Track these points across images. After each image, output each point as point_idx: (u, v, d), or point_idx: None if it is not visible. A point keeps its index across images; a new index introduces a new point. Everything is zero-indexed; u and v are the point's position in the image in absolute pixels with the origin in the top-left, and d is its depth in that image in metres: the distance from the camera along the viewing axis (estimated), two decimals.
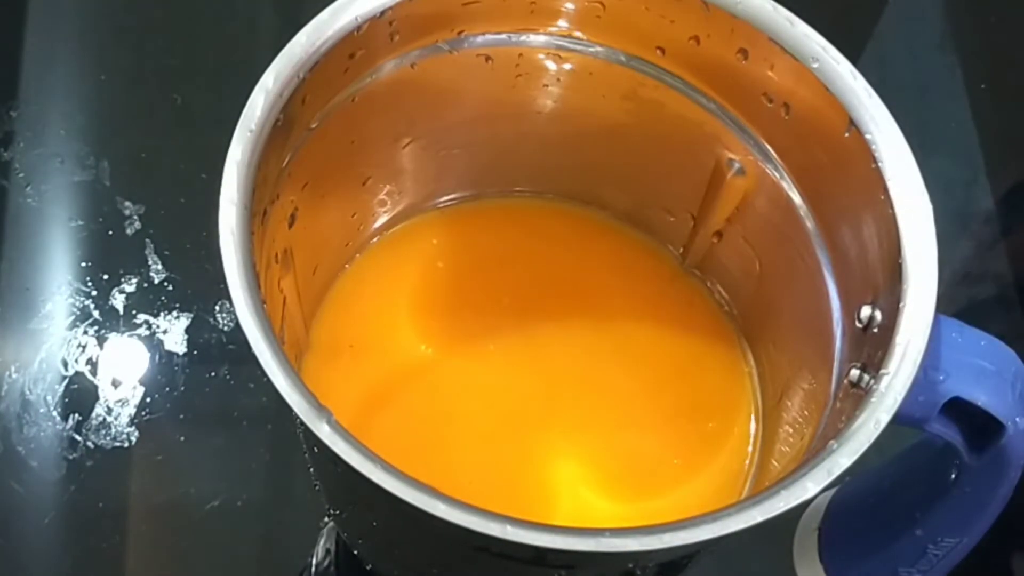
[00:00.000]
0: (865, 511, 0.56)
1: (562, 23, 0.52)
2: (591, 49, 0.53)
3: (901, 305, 0.43)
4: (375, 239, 0.59)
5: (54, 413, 0.64)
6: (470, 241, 0.60)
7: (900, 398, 0.41)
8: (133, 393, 0.65)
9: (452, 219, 0.61)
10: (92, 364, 0.66)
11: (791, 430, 0.52)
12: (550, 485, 0.55)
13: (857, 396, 0.43)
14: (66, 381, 0.65)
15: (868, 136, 0.46)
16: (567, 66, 0.54)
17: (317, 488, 0.55)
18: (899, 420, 0.41)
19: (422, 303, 0.58)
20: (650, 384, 0.58)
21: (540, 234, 0.61)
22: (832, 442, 0.41)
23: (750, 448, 0.56)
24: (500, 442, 0.56)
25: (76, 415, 0.64)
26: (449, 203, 0.61)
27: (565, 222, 0.61)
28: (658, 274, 0.61)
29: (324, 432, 0.38)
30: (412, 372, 0.57)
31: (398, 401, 0.56)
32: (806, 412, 0.50)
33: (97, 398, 0.65)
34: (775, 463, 0.53)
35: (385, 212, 0.59)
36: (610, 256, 0.61)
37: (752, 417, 0.57)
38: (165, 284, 0.68)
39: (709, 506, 0.39)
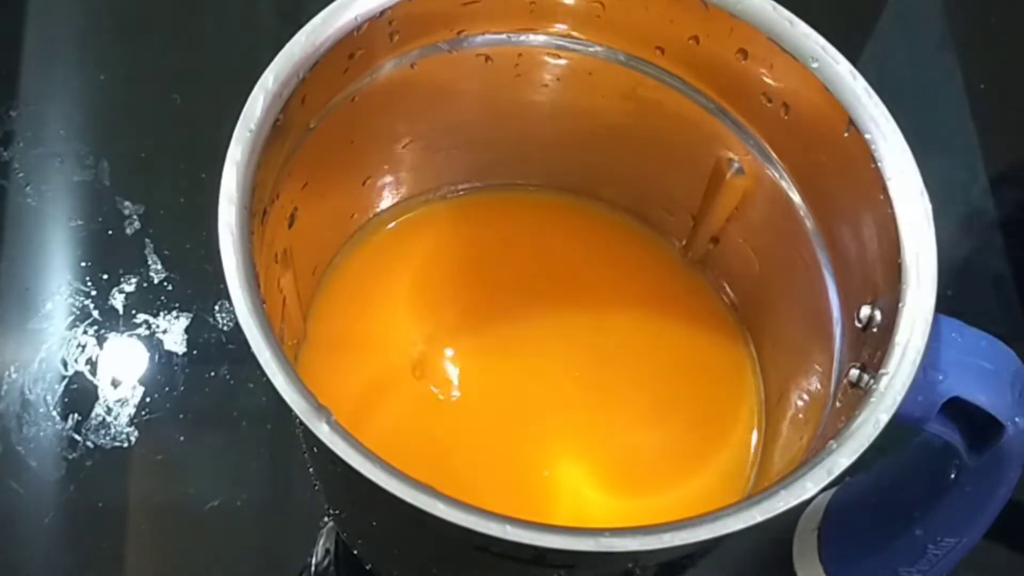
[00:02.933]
0: (865, 511, 0.56)
1: (561, 23, 0.52)
2: (591, 49, 0.53)
3: (900, 305, 0.43)
4: (374, 232, 0.59)
5: (54, 413, 0.64)
6: (469, 233, 0.60)
7: (900, 398, 0.41)
8: (133, 393, 0.65)
9: (452, 211, 0.61)
10: (92, 364, 0.66)
11: (792, 428, 0.52)
12: (551, 482, 0.55)
13: (857, 396, 0.44)
14: (66, 381, 0.65)
15: (867, 136, 0.46)
16: (566, 66, 0.54)
17: (316, 488, 0.55)
18: (899, 420, 0.41)
19: (422, 295, 0.58)
20: (652, 379, 0.58)
21: (541, 226, 0.61)
22: (832, 442, 0.41)
23: (752, 445, 0.56)
24: (499, 437, 0.56)
25: (76, 415, 0.64)
26: (448, 195, 0.61)
27: (567, 214, 0.61)
28: (661, 268, 0.61)
29: (324, 432, 0.38)
30: (411, 365, 0.57)
31: (396, 394, 0.56)
32: (806, 411, 0.50)
33: (97, 398, 0.65)
34: (777, 461, 0.53)
35: (384, 209, 0.59)
36: (612, 249, 0.61)
37: (754, 413, 0.57)
38: (165, 284, 0.68)
39: (711, 504, 0.40)
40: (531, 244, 0.60)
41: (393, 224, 0.60)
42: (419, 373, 0.56)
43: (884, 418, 0.41)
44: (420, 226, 0.60)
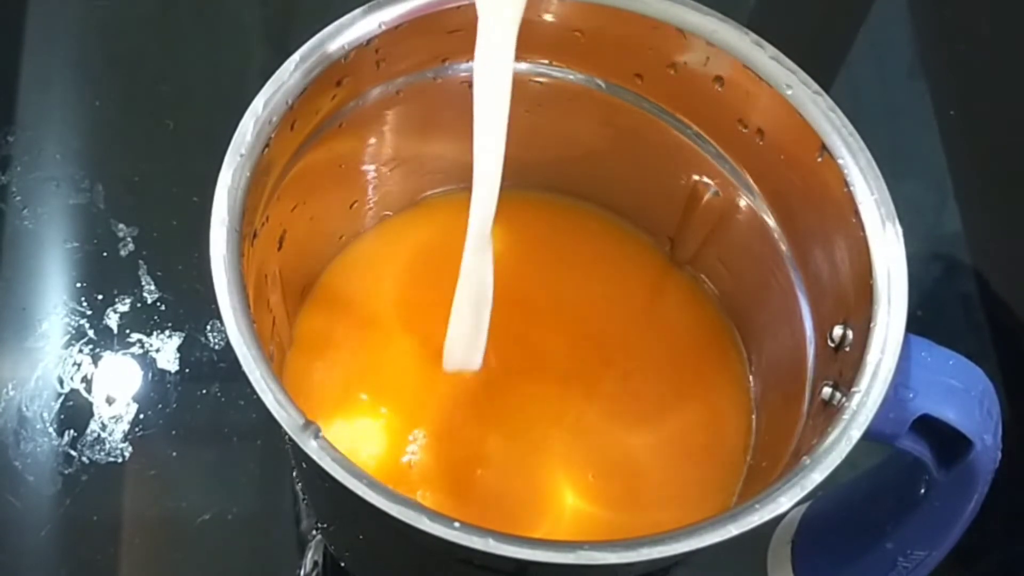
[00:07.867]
0: (837, 524, 0.57)
1: (543, 50, 0.53)
2: (571, 76, 0.54)
3: (872, 325, 0.44)
4: (360, 242, 0.59)
5: (50, 429, 0.64)
6: (452, 236, 0.59)
7: (871, 415, 0.42)
8: (127, 410, 0.65)
9: (436, 213, 0.60)
10: (87, 381, 0.66)
11: (770, 442, 0.53)
12: (541, 488, 0.54)
13: (829, 413, 0.44)
14: (62, 398, 0.65)
15: (840, 161, 0.47)
16: (548, 93, 0.55)
17: (305, 502, 0.56)
18: (870, 436, 0.42)
19: (406, 299, 0.58)
20: (643, 383, 0.57)
21: (527, 228, 0.60)
22: (805, 458, 0.41)
23: (744, 447, 0.56)
24: (486, 442, 0.55)
25: (71, 431, 0.64)
26: (432, 196, 0.61)
27: (554, 215, 0.61)
28: (650, 268, 0.60)
29: (312, 448, 0.39)
30: (396, 370, 0.56)
31: (379, 397, 0.55)
32: (781, 428, 0.51)
33: (92, 415, 0.65)
34: (764, 468, 0.53)
35: (370, 223, 0.59)
36: (602, 250, 0.61)
37: (747, 414, 0.57)
38: (158, 304, 0.69)
39: (703, 508, 0.40)
40: (517, 245, 0.59)
41: (378, 226, 0.60)
42: (404, 376, 0.56)
43: (856, 435, 0.42)
44: (404, 228, 0.60)
